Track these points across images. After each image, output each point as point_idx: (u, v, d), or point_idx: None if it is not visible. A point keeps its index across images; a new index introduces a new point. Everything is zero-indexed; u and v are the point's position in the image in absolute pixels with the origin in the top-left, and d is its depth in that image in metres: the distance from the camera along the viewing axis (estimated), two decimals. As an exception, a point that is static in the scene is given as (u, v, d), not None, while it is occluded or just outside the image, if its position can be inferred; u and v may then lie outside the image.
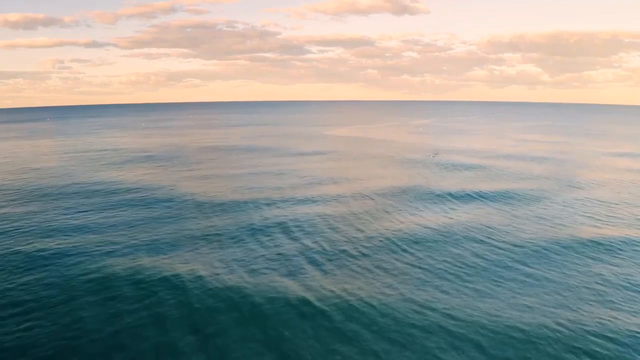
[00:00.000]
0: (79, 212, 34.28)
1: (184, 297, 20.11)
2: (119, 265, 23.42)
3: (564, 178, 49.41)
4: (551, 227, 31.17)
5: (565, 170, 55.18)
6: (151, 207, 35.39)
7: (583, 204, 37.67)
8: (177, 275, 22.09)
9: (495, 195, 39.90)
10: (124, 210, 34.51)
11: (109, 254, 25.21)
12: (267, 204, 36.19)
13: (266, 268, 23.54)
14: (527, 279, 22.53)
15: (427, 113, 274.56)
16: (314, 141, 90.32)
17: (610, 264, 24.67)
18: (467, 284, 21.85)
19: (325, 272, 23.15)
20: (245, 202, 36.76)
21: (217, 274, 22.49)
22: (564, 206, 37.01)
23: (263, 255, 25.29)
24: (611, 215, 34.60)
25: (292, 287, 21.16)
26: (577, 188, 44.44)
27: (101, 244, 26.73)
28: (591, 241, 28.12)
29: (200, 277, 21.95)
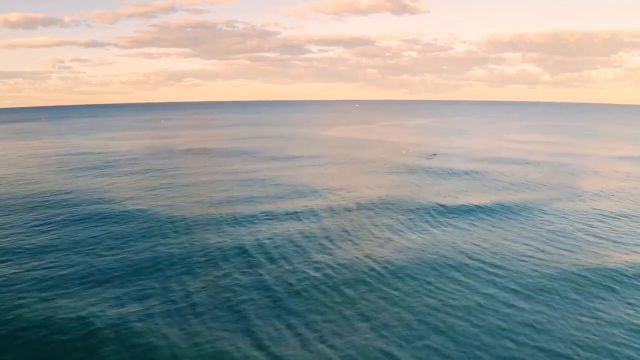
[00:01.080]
0: (18, 231, 30.51)
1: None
2: (28, 305, 19.46)
3: (566, 186, 45.71)
4: (550, 247, 27.53)
5: (567, 177, 51.45)
6: (102, 224, 31.38)
7: (588, 219, 33.88)
8: (88, 324, 18.23)
9: (491, 208, 35.97)
10: (67, 227, 30.60)
11: (25, 287, 21.23)
12: (233, 221, 32.24)
13: (212, 312, 19.50)
14: (524, 321, 18.98)
15: (427, 113, 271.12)
16: (304, 143, 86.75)
17: (624, 299, 21.14)
18: (456, 334, 18.18)
19: (286, 314, 19.43)
20: (209, 218, 32.80)
21: (144, 321, 18.60)
22: (566, 220, 33.23)
23: (212, 293, 21.42)
24: (619, 233, 31.00)
25: (243, 348, 17.54)
26: (581, 199, 40.60)
27: (18, 275, 22.67)
28: (598, 268, 24.55)
29: (118, 327, 18.09)
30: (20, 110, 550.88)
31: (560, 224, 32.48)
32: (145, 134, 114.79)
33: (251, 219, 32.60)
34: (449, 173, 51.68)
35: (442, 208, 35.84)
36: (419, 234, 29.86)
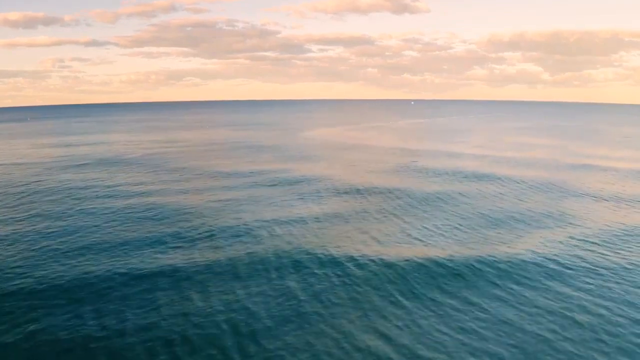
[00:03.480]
0: None
1: None
2: None
3: (571, 218, 35.93)
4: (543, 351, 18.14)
5: (572, 202, 41.33)
6: None
7: (592, 279, 24.51)
8: None
9: (461, 267, 25.36)
10: None
11: None
12: (109, 278, 22.70)
13: None
14: None
15: (426, 113, 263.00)
16: (270, 150, 76.51)
17: None
18: None
19: None
20: (75, 272, 22.45)
21: None
22: (561, 288, 23.83)
23: None
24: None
25: None
26: (581, 243, 30.98)
27: None
28: None
29: None
30: (19, 109, 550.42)
31: (557, 293, 22.87)
32: (113, 138, 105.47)
33: (115, 280, 22.74)
34: (417, 199, 41.17)
35: (392, 264, 25.95)
36: (346, 313, 20.20)
